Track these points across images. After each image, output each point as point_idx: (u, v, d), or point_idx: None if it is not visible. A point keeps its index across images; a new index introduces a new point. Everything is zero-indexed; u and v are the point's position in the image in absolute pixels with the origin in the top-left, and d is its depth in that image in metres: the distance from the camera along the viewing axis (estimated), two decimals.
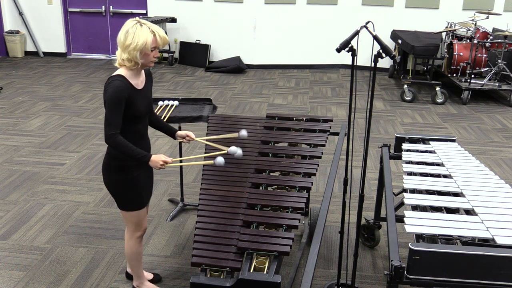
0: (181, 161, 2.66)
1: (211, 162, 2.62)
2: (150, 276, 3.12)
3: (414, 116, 6.50)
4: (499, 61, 7.10)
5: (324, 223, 2.32)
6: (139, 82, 2.61)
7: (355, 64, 2.41)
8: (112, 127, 2.47)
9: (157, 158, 2.56)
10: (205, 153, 2.98)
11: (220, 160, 2.59)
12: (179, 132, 2.91)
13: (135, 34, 2.45)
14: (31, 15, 9.37)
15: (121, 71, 2.55)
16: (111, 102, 2.45)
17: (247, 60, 8.95)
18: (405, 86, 7.15)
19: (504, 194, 2.42)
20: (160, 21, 8.48)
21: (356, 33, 2.38)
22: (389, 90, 7.79)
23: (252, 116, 3.56)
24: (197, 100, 3.93)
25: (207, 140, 3.02)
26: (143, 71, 2.68)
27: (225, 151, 2.79)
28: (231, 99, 7.09)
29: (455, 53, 7.28)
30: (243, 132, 3.06)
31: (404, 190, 2.51)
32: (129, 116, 2.54)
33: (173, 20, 8.84)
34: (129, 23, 2.49)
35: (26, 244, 3.51)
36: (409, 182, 2.56)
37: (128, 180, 2.65)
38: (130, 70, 2.55)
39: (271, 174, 2.83)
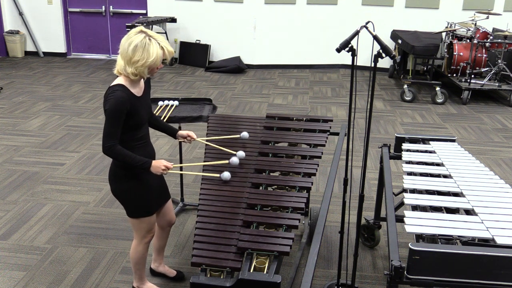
0: (181, 168, 2.65)
1: (215, 175, 2.62)
2: (173, 273, 3.13)
3: (414, 116, 6.50)
4: (499, 61, 7.11)
5: (324, 223, 2.32)
6: (139, 89, 2.58)
7: (355, 64, 2.41)
8: (111, 138, 2.44)
9: (158, 163, 2.54)
10: (205, 154, 2.99)
11: (226, 174, 2.60)
12: (180, 132, 2.90)
13: (144, 49, 2.38)
14: (31, 15, 9.38)
15: (121, 80, 2.49)
16: (112, 114, 2.41)
17: (247, 60, 8.96)
18: (405, 86, 7.16)
19: (504, 194, 2.42)
20: (160, 21, 8.49)
21: (356, 33, 2.38)
22: (389, 90, 7.79)
23: (252, 116, 3.56)
24: (197, 100, 3.93)
25: (207, 141, 3.04)
26: None
27: (226, 161, 2.79)
28: (231, 99, 7.09)
29: (455, 53, 7.28)
30: (245, 133, 3.07)
31: (404, 190, 2.51)
32: (133, 124, 2.51)
33: (173, 20, 8.84)
34: (137, 37, 2.40)
35: (26, 244, 3.51)
36: (409, 182, 2.56)
37: (136, 187, 2.63)
38: (131, 80, 2.51)
39: (271, 174, 2.83)
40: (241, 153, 2.86)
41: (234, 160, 2.77)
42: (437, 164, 2.85)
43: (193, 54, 9.05)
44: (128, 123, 2.49)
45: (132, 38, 2.40)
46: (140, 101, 2.55)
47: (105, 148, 2.45)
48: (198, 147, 5.28)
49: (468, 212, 2.31)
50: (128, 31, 7.89)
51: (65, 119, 6.09)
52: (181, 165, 2.89)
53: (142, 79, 2.64)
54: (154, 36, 2.44)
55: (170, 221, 2.99)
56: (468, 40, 7.41)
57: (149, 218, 2.73)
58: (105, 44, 9.55)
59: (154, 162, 2.54)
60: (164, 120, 3.52)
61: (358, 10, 8.68)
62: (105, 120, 2.44)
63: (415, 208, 2.34)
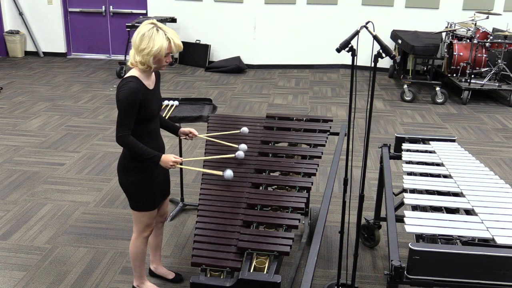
0: (180, 164, 2.67)
1: (218, 172, 2.64)
2: (172, 274, 3.14)
3: (414, 116, 6.50)
4: (499, 61, 7.10)
5: (324, 223, 2.32)
6: (150, 82, 2.64)
7: (355, 64, 2.41)
8: (124, 128, 2.50)
9: (167, 158, 2.59)
10: (205, 151, 2.99)
11: (229, 173, 2.60)
12: (182, 129, 2.95)
13: (150, 38, 2.46)
14: (31, 15, 9.37)
15: (134, 72, 2.57)
16: (125, 104, 2.47)
17: (247, 60, 8.95)
18: (405, 86, 7.16)
19: (504, 194, 2.42)
20: (160, 21, 8.47)
21: (356, 33, 2.38)
22: (389, 90, 7.79)
23: (252, 116, 3.56)
24: (197, 100, 3.93)
25: (209, 137, 3.05)
26: None
27: (232, 155, 2.82)
28: (231, 99, 7.09)
29: (455, 53, 7.28)
30: (244, 129, 3.10)
31: (404, 190, 2.51)
32: (144, 116, 2.57)
33: (173, 20, 8.84)
34: (146, 27, 2.50)
35: (26, 244, 3.51)
36: (409, 182, 2.56)
37: (143, 181, 2.68)
38: (142, 71, 2.58)
39: (271, 174, 2.83)
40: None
41: (239, 153, 2.82)
42: (437, 164, 2.85)
43: (193, 54, 9.05)
44: (140, 115, 2.55)
45: (141, 28, 2.51)
46: (151, 94, 2.62)
47: (118, 137, 2.52)
48: (199, 147, 5.28)
49: (468, 212, 2.31)
50: (128, 31, 7.89)
51: (65, 119, 6.09)
52: (189, 159, 2.90)
53: (153, 73, 2.70)
54: (163, 28, 2.52)
55: (164, 215, 3.03)
56: (468, 40, 7.41)
57: (151, 212, 2.78)
58: (105, 44, 9.54)
59: (163, 157, 2.59)
60: None
61: (358, 10, 8.68)
62: (118, 110, 2.50)
63: (415, 208, 2.34)
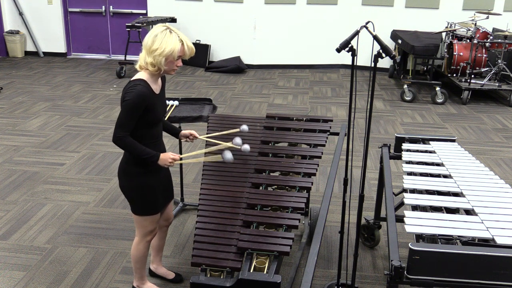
0: (180, 159, 2.68)
1: (218, 158, 2.63)
2: (172, 275, 3.14)
3: (414, 116, 6.50)
4: (499, 61, 7.11)
5: (324, 223, 2.32)
6: (157, 86, 2.63)
7: (355, 64, 2.41)
8: (124, 129, 2.49)
9: (165, 156, 2.59)
10: (205, 153, 2.99)
11: (228, 155, 2.58)
12: (183, 132, 2.94)
13: (163, 39, 2.45)
14: (31, 15, 9.38)
15: (142, 75, 2.54)
16: (130, 106, 2.45)
17: (247, 60, 8.96)
18: (405, 86, 7.16)
19: (504, 194, 2.42)
20: (160, 21, 8.48)
21: (356, 33, 2.38)
22: (389, 90, 7.79)
23: (252, 116, 3.55)
24: (197, 100, 3.94)
25: (209, 138, 3.05)
26: None
27: (230, 145, 2.82)
28: (231, 99, 7.09)
29: (455, 53, 7.28)
30: (244, 127, 3.09)
31: (404, 190, 2.51)
32: (149, 121, 2.56)
33: (173, 20, 8.84)
34: (159, 28, 2.49)
35: (26, 244, 3.51)
36: (409, 182, 2.56)
37: (144, 185, 2.66)
38: (151, 74, 2.55)
39: (271, 174, 2.83)
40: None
41: (239, 142, 2.85)
42: (437, 164, 2.85)
43: None
44: (145, 119, 2.54)
45: (154, 30, 2.51)
46: (158, 98, 2.61)
47: (116, 138, 2.50)
48: (199, 147, 5.28)
49: (468, 212, 2.31)
50: (128, 31, 7.89)
51: (65, 119, 6.09)
52: (186, 154, 2.90)
53: (160, 78, 2.67)
54: (176, 31, 2.52)
55: (168, 219, 3.02)
56: (468, 40, 7.41)
57: (154, 217, 2.76)
58: (105, 44, 9.54)
59: (161, 155, 2.58)
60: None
61: (358, 10, 8.68)
62: (121, 111, 2.48)
63: (415, 208, 2.34)
